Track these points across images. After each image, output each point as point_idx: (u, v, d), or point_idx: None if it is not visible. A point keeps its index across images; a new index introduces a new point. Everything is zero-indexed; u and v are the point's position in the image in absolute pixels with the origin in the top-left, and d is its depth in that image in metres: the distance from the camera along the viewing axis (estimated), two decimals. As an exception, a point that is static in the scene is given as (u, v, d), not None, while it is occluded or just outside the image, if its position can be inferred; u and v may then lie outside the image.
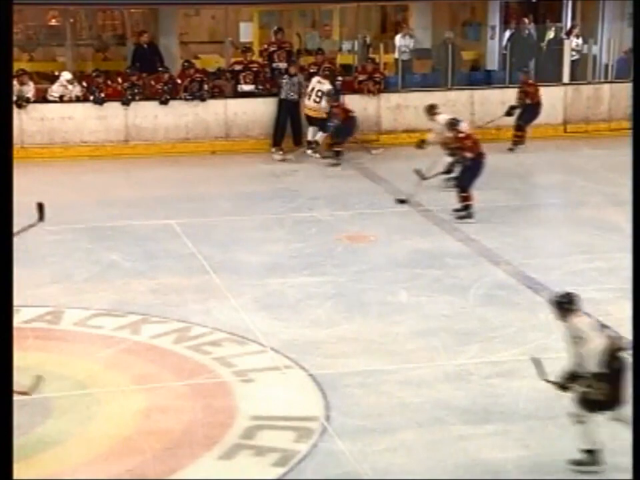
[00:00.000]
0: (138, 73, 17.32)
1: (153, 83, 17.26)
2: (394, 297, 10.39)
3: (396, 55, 19.01)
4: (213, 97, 17.38)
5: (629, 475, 6.09)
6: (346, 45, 19.75)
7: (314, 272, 11.19)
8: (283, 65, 17.89)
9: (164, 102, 17.10)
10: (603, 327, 9.50)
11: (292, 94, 17.03)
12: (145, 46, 17.98)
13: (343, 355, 9.01)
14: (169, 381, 8.52)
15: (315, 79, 17.03)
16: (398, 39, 19.24)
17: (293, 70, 17.21)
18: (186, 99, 17.13)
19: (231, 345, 9.21)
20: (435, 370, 8.67)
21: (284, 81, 17.10)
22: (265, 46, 18.42)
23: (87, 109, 16.98)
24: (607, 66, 19.28)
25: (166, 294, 10.51)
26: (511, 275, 11.09)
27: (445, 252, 11.89)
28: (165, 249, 12.03)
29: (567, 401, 8.07)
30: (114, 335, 9.46)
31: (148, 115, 17.17)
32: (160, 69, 17.41)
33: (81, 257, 11.78)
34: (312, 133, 16.91)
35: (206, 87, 17.40)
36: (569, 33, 19.57)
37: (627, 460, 6.22)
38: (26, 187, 14.73)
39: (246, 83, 17.66)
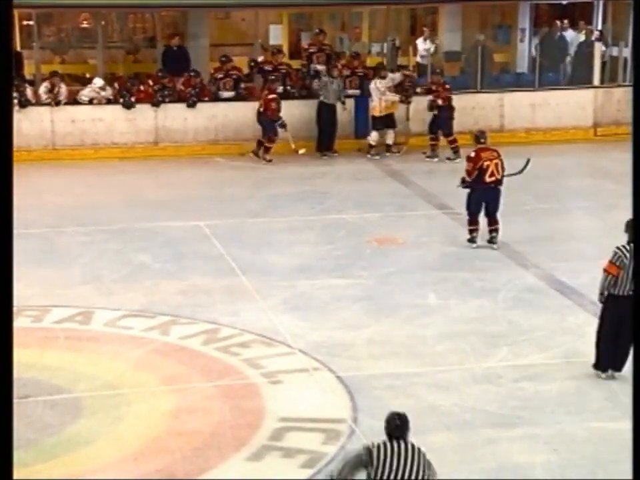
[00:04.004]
0: (169, 75, 17.41)
1: (182, 87, 17.33)
2: (422, 299, 10.37)
3: (417, 59, 18.96)
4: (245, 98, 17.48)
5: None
6: (375, 48, 19.72)
7: (343, 274, 11.19)
8: (321, 67, 17.92)
9: (191, 105, 17.17)
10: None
11: (332, 98, 16.99)
12: (175, 48, 18.06)
13: (371, 357, 9.00)
14: (197, 381, 8.55)
15: (373, 83, 16.94)
16: (420, 43, 19.19)
17: (335, 72, 17.22)
18: (217, 95, 17.22)
19: (260, 347, 9.22)
20: (464, 373, 8.65)
21: (325, 84, 17.02)
22: (306, 46, 18.47)
23: (117, 110, 17.07)
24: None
25: (195, 295, 10.55)
26: (541, 278, 11.05)
27: (474, 255, 11.84)
28: (194, 251, 12.07)
29: (596, 404, 8.05)
30: (143, 336, 9.50)
31: (177, 117, 17.24)
32: (187, 72, 17.48)
33: (110, 258, 11.83)
34: (379, 136, 16.91)
35: (242, 84, 17.49)
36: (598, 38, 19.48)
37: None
38: (57, 188, 14.91)
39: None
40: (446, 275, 11.13)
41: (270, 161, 16.53)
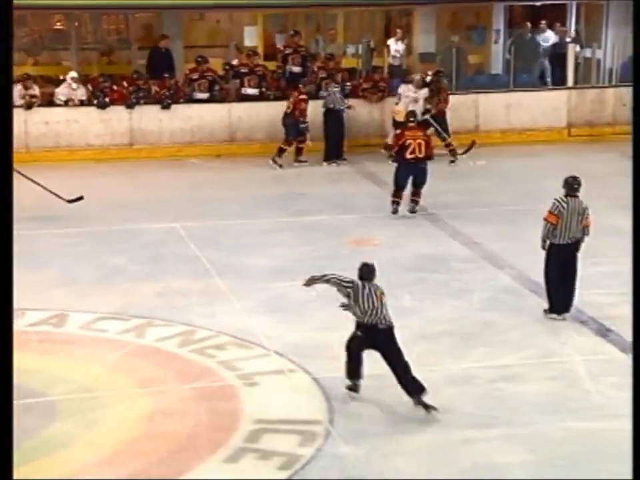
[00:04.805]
0: (156, 76, 17.35)
1: (157, 88, 17.30)
2: (399, 300, 10.36)
3: (390, 60, 18.98)
4: (220, 100, 17.45)
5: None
6: (350, 49, 19.75)
7: (319, 275, 11.17)
8: (296, 69, 17.92)
9: (166, 106, 17.15)
10: (607, 330, 9.57)
11: (337, 104, 16.84)
12: (163, 50, 18.03)
13: (348, 358, 8.99)
14: (173, 384, 8.52)
15: (401, 88, 16.90)
16: (392, 44, 19.17)
17: (339, 78, 17.16)
18: (191, 96, 17.17)
19: (236, 349, 9.21)
20: (440, 374, 8.66)
21: (329, 90, 16.91)
22: (281, 48, 18.47)
23: (92, 112, 17.02)
24: (611, 70, 19.28)
25: (171, 297, 10.52)
26: (516, 279, 11.09)
27: (450, 256, 11.88)
28: (171, 253, 12.04)
29: (572, 404, 8.08)
30: (119, 339, 9.46)
31: (152, 119, 17.21)
32: (166, 74, 17.45)
33: (86, 260, 11.79)
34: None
35: (217, 86, 17.47)
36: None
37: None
38: (31, 190, 14.83)
39: (250, 86, 17.69)
40: (422, 276, 11.15)
41: (305, 161, 16.57)
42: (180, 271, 11.35)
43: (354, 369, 8.13)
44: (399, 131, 13.66)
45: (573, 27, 20.20)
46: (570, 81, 18.77)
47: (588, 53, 19.59)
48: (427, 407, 7.81)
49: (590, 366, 8.80)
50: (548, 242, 9.70)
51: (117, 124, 17.10)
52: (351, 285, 7.92)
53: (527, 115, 18.46)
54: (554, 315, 9.84)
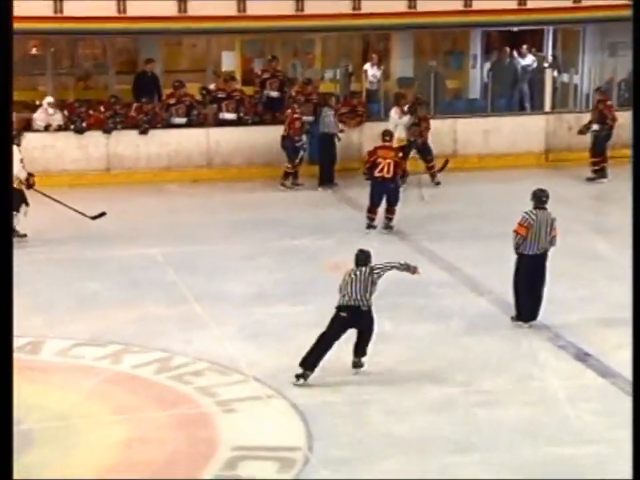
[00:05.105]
0: (123, 102, 17.39)
1: (134, 113, 17.32)
2: (377, 325, 10.38)
3: (367, 85, 19.04)
4: (198, 124, 17.49)
5: None
6: (328, 74, 19.84)
7: (298, 301, 11.21)
8: (274, 94, 17.99)
9: (144, 131, 17.17)
10: (586, 355, 9.62)
11: (332, 128, 16.87)
12: (149, 74, 18.07)
13: (326, 384, 9.00)
14: (150, 411, 8.50)
15: (393, 111, 16.95)
16: (368, 69, 19.24)
17: (333, 101, 17.21)
18: (169, 121, 17.21)
19: (213, 375, 9.20)
20: (419, 399, 8.69)
21: (327, 115, 16.91)
22: (259, 73, 18.54)
23: (68, 137, 17.00)
24: (588, 95, 19.45)
25: (148, 323, 10.50)
26: (494, 304, 11.14)
27: (429, 280, 11.88)
28: (148, 279, 12.02)
29: (550, 429, 8.12)
30: (95, 365, 9.44)
31: (129, 144, 17.21)
32: (143, 99, 17.48)
33: (62, 286, 11.75)
34: None
35: (195, 111, 17.51)
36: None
37: None
38: (7, 216, 14.77)
39: (228, 111, 17.74)
40: (400, 300, 11.16)
41: (300, 184, 16.71)
42: (157, 297, 11.33)
43: (314, 362, 8.93)
44: (372, 149, 14.23)
45: (550, 52, 20.39)
46: (547, 105, 18.93)
47: (565, 78, 19.76)
48: (358, 366, 9.15)
49: (568, 391, 8.85)
50: (519, 253, 10.24)
51: (93, 149, 17.09)
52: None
53: (505, 139, 18.58)
54: (521, 323, 10.32)
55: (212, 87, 18.27)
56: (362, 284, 9.03)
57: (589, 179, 17.03)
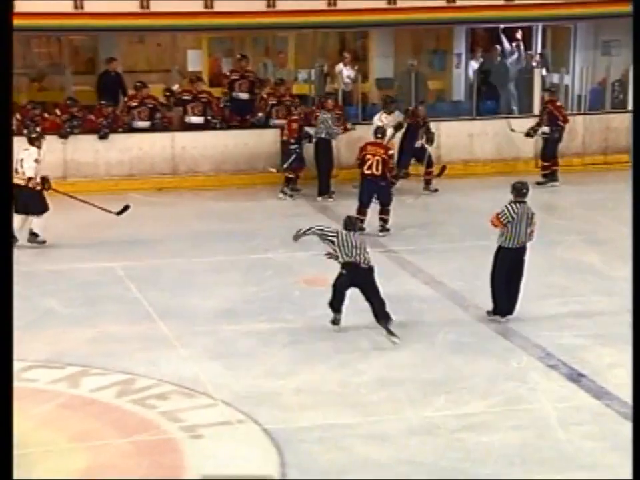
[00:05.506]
0: (110, 102, 17.43)
1: (93, 117, 17.27)
2: (355, 344, 10.41)
3: (341, 86, 19.01)
4: (162, 129, 17.47)
5: None
6: (302, 75, 19.86)
7: (269, 318, 11.20)
8: (244, 96, 18.00)
9: (103, 136, 17.13)
10: (579, 375, 9.65)
11: (327, 132, 16.76)
12: (113, 73, 18.05)
13: (300, 407, 9.00)
14: (111, 438, 8.46)
15: (378, 115, 16.95)
16: (343, 69, 19.24)
17: (330, 104, 17.15)
18: (130, 125, 17.20)
19: (179, 398, 9.17)
20: (400, 423, 8.69)
21: (323, 119, 16.80)
22: (227, 73, 18.54)
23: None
24: (579, 97, 19.55)
25: (108, 343, 10.46)
26: (481, 320, 11.16)
27: (411, 295, 11.94)
28: (108, 295, 11.98)
29: (540, 454, 8.14)
30: (50, 389, 9.40)
31: (88, 150, 17.17)
32: (103, 102, 17.45)
33: (15, 303, 11.61)
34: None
35: (158, 114, 17.49)
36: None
37: None
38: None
39: (194, 114, 17.73)
40: (380, 317, 11.18)
41: (298, 190, 16.89)
42: (118, 314, 11.30)
43: (337, 305, 10.53)
44: (363, 144, 14.58)
45: (539, 51, 20.48)
46: (536, 108, 18.98)
47: (556, 78, 19.85)
48: (391, 333, 10.14)
49: (560, 413, 8.87)
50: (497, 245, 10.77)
51: (48, 155, 16.95)
52: (335, 234, 10.54)
53: (492, 144, 18.65)
54: (497, 317, 10.88)
55: (177, 88, 18.26)
56: (356, 243, 10.37)
57: (539, 183, 17.00)
